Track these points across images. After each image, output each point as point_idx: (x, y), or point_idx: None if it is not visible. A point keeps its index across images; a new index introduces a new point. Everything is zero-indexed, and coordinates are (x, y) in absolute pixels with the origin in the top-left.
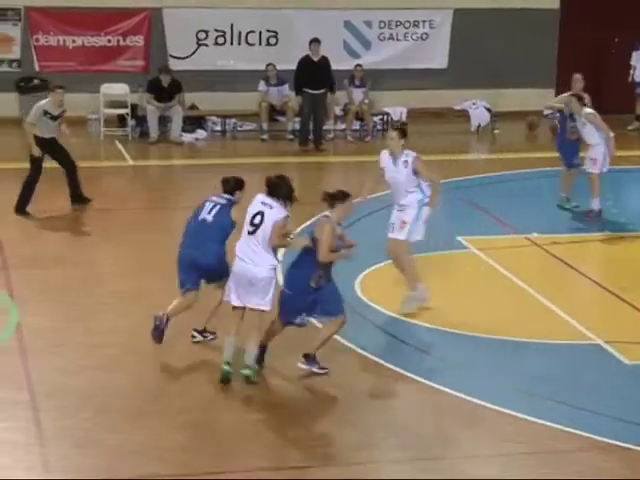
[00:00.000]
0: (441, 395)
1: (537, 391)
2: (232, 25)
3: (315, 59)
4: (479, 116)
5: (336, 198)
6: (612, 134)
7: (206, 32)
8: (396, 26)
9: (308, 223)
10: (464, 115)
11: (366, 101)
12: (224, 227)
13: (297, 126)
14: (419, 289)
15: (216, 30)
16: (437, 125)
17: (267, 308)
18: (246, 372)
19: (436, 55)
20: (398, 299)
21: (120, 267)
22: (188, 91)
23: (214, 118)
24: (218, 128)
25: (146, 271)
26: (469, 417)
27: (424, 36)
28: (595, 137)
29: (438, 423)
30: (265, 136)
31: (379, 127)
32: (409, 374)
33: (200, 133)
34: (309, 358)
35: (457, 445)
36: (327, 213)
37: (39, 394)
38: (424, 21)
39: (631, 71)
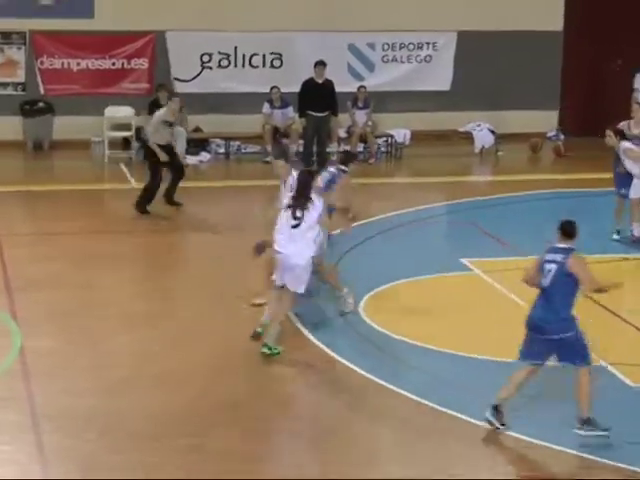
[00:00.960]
0: (446, 417)
1: (541, 413)
2: (236, 48)
3: (319, 81)
4: (483, 138)
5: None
6: None
7: (210, 55)
8: (400, 48)
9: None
10: (468, 137)
11: (370, 123)
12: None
13: (301, 149)
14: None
15: (220, 53)
16: (441, 147)
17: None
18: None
19: (440, 77)
20: (403, 322)
21: (125, 290)
22: (192, 114)
23: (218, 140)
24: (222, 151)
25: (151, 294)
26: (473, 438)
27: (428, 58)
28: (636, 169)
29: (443, 444)
30: (269, 158)
31: (383, 149)
32: (415, 397)
33: (204, 155)
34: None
35: (459, 465)
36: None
37: (42, 416)
38: (428, 43)
39: (634, 94)
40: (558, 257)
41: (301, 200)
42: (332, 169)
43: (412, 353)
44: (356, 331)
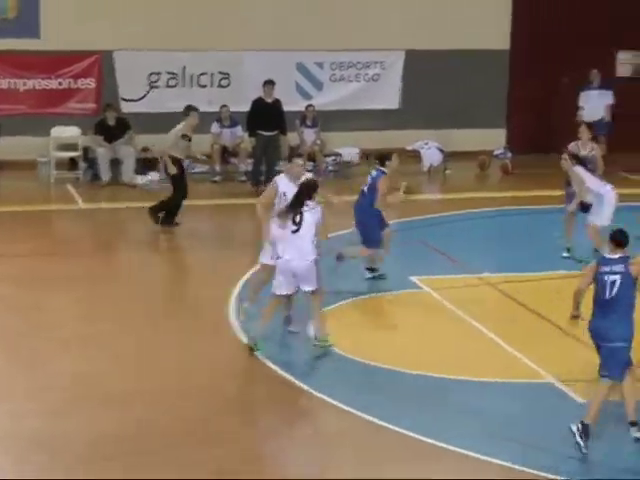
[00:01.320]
0: (393, 434)
1: (491, 430)
2: (184, 67)
3: (268, 101)
4: (431, 156)
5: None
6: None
7: (158, 74)
8: (348, 67)
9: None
10: (416, 155)
11: (318, 142)
12: None
13: (250, 168)
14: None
15: (168, 72)
16: None
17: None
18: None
19: (388, 96)
20: (352, 340)
21: (74, 311)
22: (140, 133)
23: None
24: None
25: (97, 315)
26: (424, 456)
27: (376, 77)
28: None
29: (395, 464)
30: (217, 178)
31: (331, 168)
32: (366, 415)
33: (153, 175)
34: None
35: None
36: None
37: None
38: (375, 62)
39: (579, 112)
40: (618, 267)
41: (297, 206)
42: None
43: (362, 371)
44: (307, 350)
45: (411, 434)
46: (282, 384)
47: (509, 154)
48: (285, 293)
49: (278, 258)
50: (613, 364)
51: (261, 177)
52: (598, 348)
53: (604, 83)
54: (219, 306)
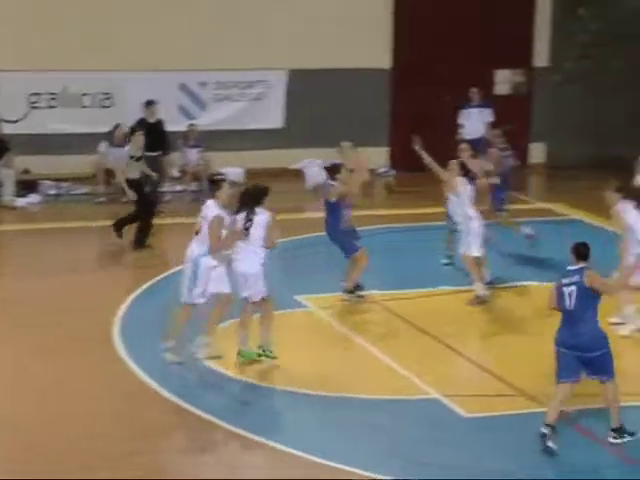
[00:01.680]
0: (283, 455)
1: (377, 446)
2: (65, 87)
3: (151, 121)
4: (315, 175)
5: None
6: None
7: (38, 95)
8: (231, 87)
9: None
10: (301, 174)
11: (202, 162)
12: None
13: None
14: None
15: (48, 93)
16: (275, 185)
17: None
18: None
19: (272, 115)
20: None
21: None
22: (21, 155)
23: (48, 182)
24: (52, 192)
25: None
26: (313, 475)
27: (259, 96)
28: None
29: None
30: (101, 199)
31: None
32: (253, 436)
33: (34, 197)
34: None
35: None
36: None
37: None
38: (259, 81)
39: (459, 129)
40: (575, 278)
41: (245, 210)
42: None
43: (249, 392)
44: (192, 371)
45: (296, 452)
46: (170, 406)
47: (392, 172)
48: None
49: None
50: (606, 368)
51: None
52: (565, 355)
53: (484, 101)
54: (105, 330)
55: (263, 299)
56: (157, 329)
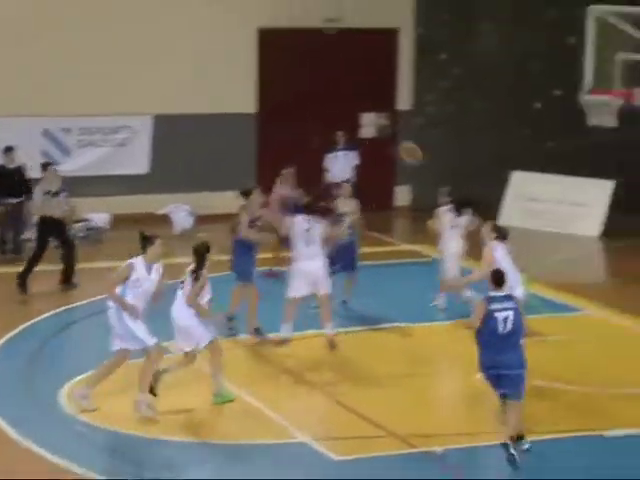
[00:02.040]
0: None
1: None
2: None
3: (11, 167)
4: (182, 220)
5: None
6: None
7: None
8: (95, 132)
9: None
10: (168, 220)
11: (66, 207)
12: None
13: None
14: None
15: None
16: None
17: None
18: None
19: (137, 160)
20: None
21: None
22: None
23: None
24: None
25: None
26: None
27: (124, 142)
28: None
29: None
30: None
31: (82, 234)
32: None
33: None
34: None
35: None
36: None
37: None
38: (124, 127)
39: (324, 173)
40: (509, 304)
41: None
42: None
43: (117, 441)
44: (59, 420)
45: None
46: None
47: None
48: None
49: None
50: (517, 387)
51: (6, 245)
52: (498, 377)
53: (349, 144)
54: None
55: (211, 342)
56: None
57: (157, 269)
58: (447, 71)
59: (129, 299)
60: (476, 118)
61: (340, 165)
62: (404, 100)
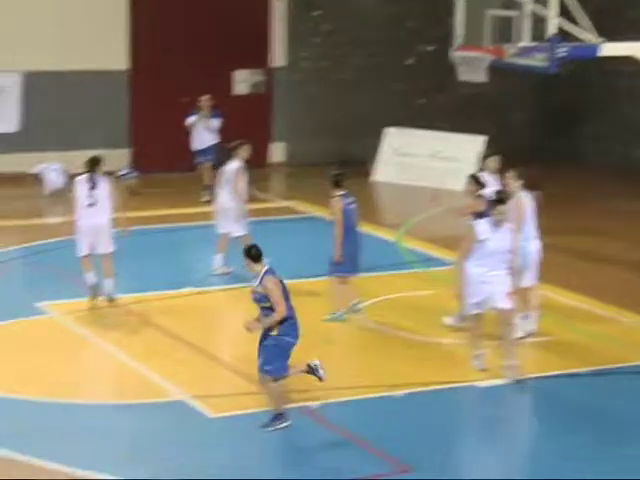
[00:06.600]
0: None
1: (121, 452)
2: None
3: None
4: (53, 179)
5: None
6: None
7: None
8: None
9: None
10: (39, 179)
11: None
12: None
13: None
14: None
15: None
16: (12, 189)
17: None
18: None
19: (7, 118)
20: None
21: None
22: None
23: None
24: None
25: None
26: None
27: None
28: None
29: None
30: None
31: None
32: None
33: None
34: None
35: None
36: None
37: None
38: None
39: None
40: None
41: None
42: None
43: None
44: None
45: (41, 463)
46: None
47: (135, 174)
48: None
49: None
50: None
51: None
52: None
53: (212, 110)
54: None
55: None
56: None
57: None
58: (322, 27)
59: None
60: (351, 74)
61: (200, 132)
62: (279, 56)
